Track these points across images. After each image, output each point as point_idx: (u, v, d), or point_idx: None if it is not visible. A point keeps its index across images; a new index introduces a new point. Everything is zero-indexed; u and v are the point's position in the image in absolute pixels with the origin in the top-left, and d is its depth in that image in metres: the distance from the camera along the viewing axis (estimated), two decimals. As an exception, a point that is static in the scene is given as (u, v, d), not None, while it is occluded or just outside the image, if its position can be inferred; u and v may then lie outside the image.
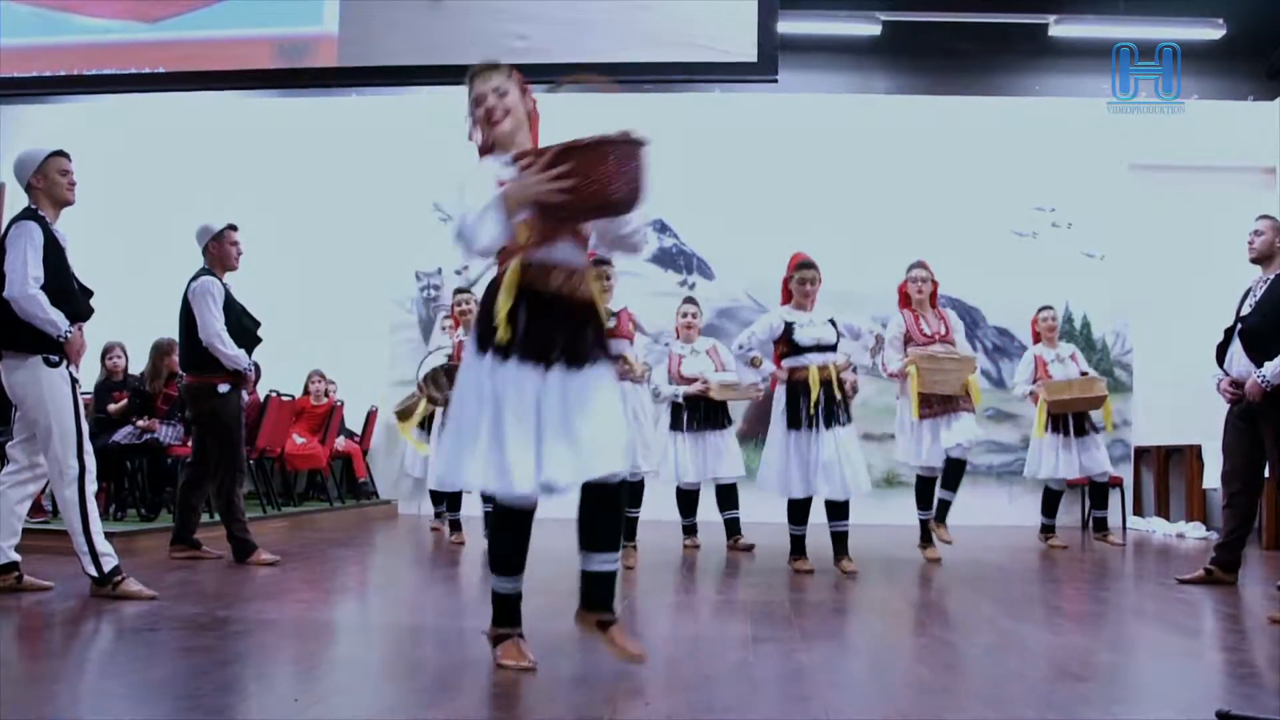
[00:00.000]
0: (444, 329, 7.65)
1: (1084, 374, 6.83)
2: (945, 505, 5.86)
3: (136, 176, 9.38)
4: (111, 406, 6.96)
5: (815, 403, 5.02)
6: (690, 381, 6.00)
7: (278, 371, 7.48)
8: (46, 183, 4.07)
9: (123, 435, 6.72)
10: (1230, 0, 8.45)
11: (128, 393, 7.03)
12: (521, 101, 2.87)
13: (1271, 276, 4.81)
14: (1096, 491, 7.20)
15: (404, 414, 7.29)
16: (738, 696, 2.63)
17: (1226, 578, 4.83)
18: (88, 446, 3.99)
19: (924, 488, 5.87)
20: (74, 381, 4.00)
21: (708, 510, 6.38)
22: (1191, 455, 8.03)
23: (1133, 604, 4.62)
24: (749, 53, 6.68)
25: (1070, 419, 6.73)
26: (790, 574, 5.10)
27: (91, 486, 3.98)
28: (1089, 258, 9.08)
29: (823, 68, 9.22)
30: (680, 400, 5.99)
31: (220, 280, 5.29)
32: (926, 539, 5.86)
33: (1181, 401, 7.33)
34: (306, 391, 8.63)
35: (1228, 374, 4.88)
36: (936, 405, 5.67)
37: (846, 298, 6.52)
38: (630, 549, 5.41)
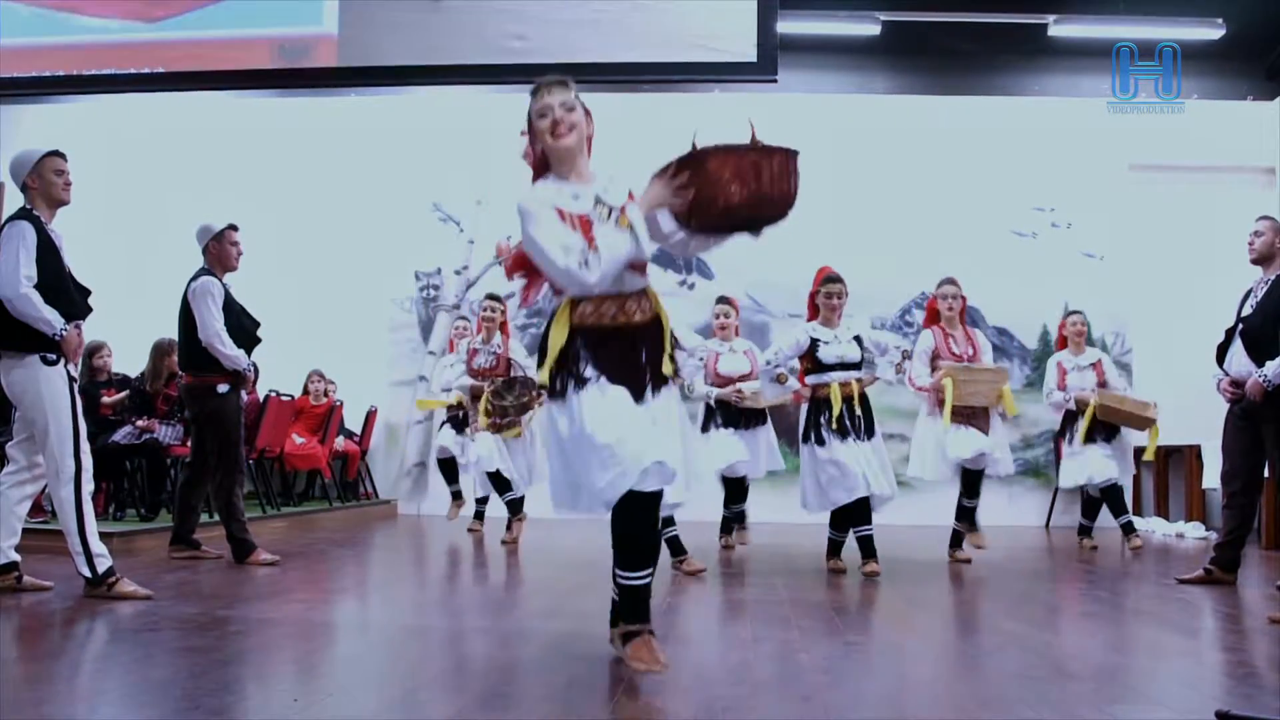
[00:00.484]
0: (461, 334, 7.24)
1: (1102, 385, 6.70)
2: (970, 511, 5.86)
3: (136, 176, 9.38)
4: (106, 400, 6.94)
5: (837, 417, 5.10)
6: (726, 382, 5.97)
7: (277, 371, 7.49)
8: (42, 183, 4.07)
9: (122, 435, 6.71)
10: (1230, 0, 8.45)
11: (114, 389, 7.03)
12: (585, 122, 2.85)
13: (1272, 277, 4.80)
14: (1111, 496, 7.01)
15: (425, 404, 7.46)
16: (738, 697, 2.63)
17: (1226, 578, 4.83)
18: (85, 446, 3.98)
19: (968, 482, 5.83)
20: (72, 380, 4.00)
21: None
22: (1191, 455, 8.03)
23: (1132, 604, 4.61)
24: (749, 52, 6.70)
25: (1102, 425, 6.66)
26: (791, 574, 5.13)
27: (88, 486, 3.98)
28: (1088, 258, 9.07)
29: (822, 68, 9.22)
30: (712, 403, 5.99)
31: (220, 280, 5.29)
32: (957, 543, 5.90)
33: (1181, 401, 7.31)
34: (306, 391, 8.63)
35: (1228, 374, 4.88)
36: (966, 416, 5.65)
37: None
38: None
